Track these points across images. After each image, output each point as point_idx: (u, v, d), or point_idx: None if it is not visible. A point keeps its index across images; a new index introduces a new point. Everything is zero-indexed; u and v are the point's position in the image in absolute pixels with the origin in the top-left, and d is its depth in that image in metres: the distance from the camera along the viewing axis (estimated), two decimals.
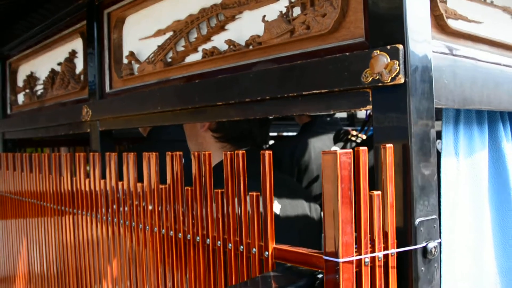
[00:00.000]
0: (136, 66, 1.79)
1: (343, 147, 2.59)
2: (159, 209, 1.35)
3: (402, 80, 0.99)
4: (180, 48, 1.61)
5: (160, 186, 1.33)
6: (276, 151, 2.37)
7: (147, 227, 1.39)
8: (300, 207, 1.73)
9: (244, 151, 1.11)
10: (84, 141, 3.63)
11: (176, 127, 2.76)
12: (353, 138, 2.53)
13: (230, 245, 1.14)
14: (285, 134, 4.12)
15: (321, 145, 2.62)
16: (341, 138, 2.56)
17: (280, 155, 2.47)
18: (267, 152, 1.04)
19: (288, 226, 1.62)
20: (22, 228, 2.25)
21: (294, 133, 3.38)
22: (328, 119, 2.71)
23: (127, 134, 3.48)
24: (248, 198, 1.08)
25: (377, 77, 1.02)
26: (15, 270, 2.39)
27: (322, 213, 1.84)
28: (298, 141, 2.63)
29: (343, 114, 3.89)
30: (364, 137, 2.56)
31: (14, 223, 2.35)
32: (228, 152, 1.12)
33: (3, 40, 2.82)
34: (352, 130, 2.58)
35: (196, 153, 1.20)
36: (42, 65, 2.53)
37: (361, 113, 3.59)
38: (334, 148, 2.64)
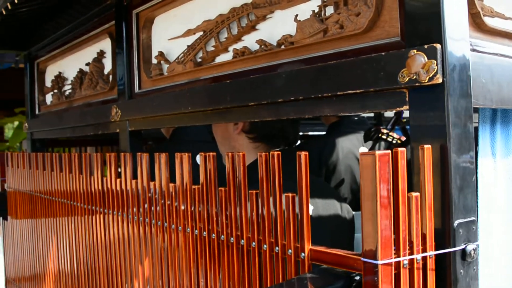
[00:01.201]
0: (165, 66, 1.79)
1: (373, 146, 2.57)
2: (192, 209, 1.35)
3: (440, 80, 0.98)
4: (210, 48, 1.61)
5: (193, 186, 1.33)
6: (303, 151, 2.36)
7: (180, 227, 1.40)
8: (332, 207, 1.72)
9: (279, 152, 1.10)
10: (111, 141, 3.66)
11: (198, 128, 2.77)
12: (384, 137, 2.51)
13: (265, 246, 1.14)
14: (310, 133, 4.11)
15: (349, 145, 2.60)
16: (372, 136, 2.54)
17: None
18: (303, 153, 1.04)
19: (320, 227, 1.61)
20: (52, 227, 2.27)
21: (320, 133, 3.37)
22: (356, 118, 2.70)
23: (147, 135, 3.50)
24: (284, 198, 1.08)
25: (414, 77, 1.00)
26: (45, 269, 2.42)
27: (353, 213, 1.84)
28: (325, 141, 2.62)
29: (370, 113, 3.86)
30: (395, 135, 2.54)
31: (44, 222, 2.37)
32: (263, 153, 1.12)
33: (31, 41, 2.85)
34: (383, 128, 2.56)
35: (230, 154, 1.20)
36: (70, 65, 2.55)
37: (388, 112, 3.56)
38: (362, 148, 2.62)
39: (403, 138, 2.70)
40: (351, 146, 2.64)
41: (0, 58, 3.24)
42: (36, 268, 2.53)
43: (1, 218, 2.98)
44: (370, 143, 2.63)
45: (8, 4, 1.92)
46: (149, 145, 3.40)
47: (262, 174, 1.12)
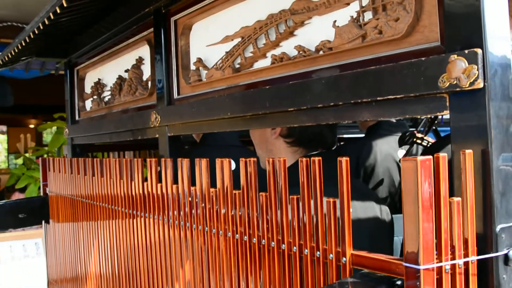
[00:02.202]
0: (204, 72, 1.82)
1: (409, 150, 2.56)
2: (232, 213, 1.38)
3: (481, 85, 0.98)
4: (248, 54, 1.63)
5: (234, 191, 1.35)
6: (341, 154, 2.37)
7: (221, 231, 1.42)
8: (371, 209, 1.72)
9: (320, 157, 1.11)
10: (148, 145, 3.72)
11: (228, 133, 2.80)
12: (419, 141, 2.50)
13: (306, 250, 1.15)
14: (346, 136, 4.10)
15: (387, 147, 2.60)
16: (407, 140, 2.53)
17: None
18: (344, 158, 1.05)
19: (359, 229, 1.61)
20: (93, 230, 2.32)
21: (356, 135, 3.37)
22: (394, 120, 2.69)
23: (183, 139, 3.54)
24: (325, 203, 1.09)
25: (455, 82, 1.01)
26: (86, 271, 2.47)
27: (392, 216, 1.84)
28: (363, 144, 2.62)
29: None
30: (430, 139, 2.53)
31: (85, 225, 2.42)
32: (304, 159, 1.13)
33: (71, 49, 2.92)
34: (418, 132, 2.54)
35: (270, 159, 1.22)
36: (109, 72, 2.60)
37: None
38: (400, 150, 2.62)
39: None
40: (389, 149, 2.64)
41: (41, 66, 3.31)
42: (77, 270, 2.59)
43: (43, 221, 3.05)
44: (406, 147, 2.62)
45: (51, 14, 1.97)
46: (185, 149, 3.44)
47: (303, 179, 1.14)
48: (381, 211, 1.80)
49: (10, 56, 2.73)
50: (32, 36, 2.29)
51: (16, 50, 2.58)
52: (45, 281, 4.01)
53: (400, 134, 2.69)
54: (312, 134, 1.74)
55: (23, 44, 2.45)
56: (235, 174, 1.39)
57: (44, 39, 2.51)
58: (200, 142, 2.67)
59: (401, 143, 2.61)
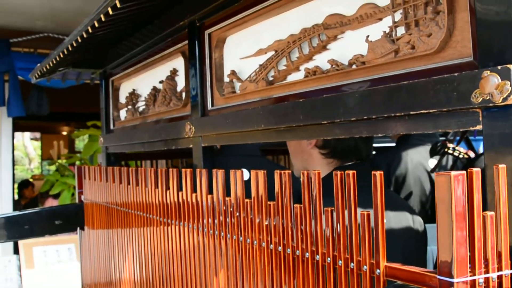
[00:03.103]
0: (237, 84, 1.86)
1: (440, 161, 2.56)
2: (266, 224, 1.41)
3: None
4: (281, 67, 1.66)
5: (269, 202, 1.38)
6: (373, 164, 2.39)
7: (255, 241, 1.45)
8: (404, 220, 1.74)
9: (355, 170, 1.14)
10: (180, 154, 3.78)
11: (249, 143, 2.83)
12: (450, 151, 2.50)
13: (340, 262, 1.17)
14: (376, 145, 4.10)
15: (418, 157, 2.61)
16: (438, 151, 2.54)
17: (377, 168, 2.49)
18: (378, 172, 1.07)
19: (392, 239, 1.63)
20: (127, 237, 2.37)
21: (387, 144, 3.37)
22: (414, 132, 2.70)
23: None
24: (359, 215, 1.11)
25: (488, 97, 1.02)
26: (120, 277, 2.52)
27: (425, 226, 1.85)
28: (394, 154, 2.63)
29: None
30: (461, 150, 2.53)
31: (119, 232, 2.47)
32: (339, 172, 1.16)
33: (106, 60, 2.99)
34: (449, 142, 2.55)
35: (305, 172, 1.25)
36: (143, 82, 2.66)
37: None
38: (431, 160, 2.63)
39: (470, 152, 2.68)
40: (420, 158, 2.65)
41: (77, 76, 3.39)
42: (111, 276, 2.64)
43: (78, 228, 3.12)
44: (437, 157, 2.63)
45: (89, 27, 2.03)
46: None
47: (338, 192, 1.16)
48: (414, 221, 1.81)
49: (48, 67, 2.81)
50: (70, 49, 2.35)
51: (54, 62, 2.65)
52: (78, 286, 4.09)
53: (430, 144, 2.70)
54: (347, 146, 1.77)
55: (61, 56, 2.52)
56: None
57: (81, 51, 2.58)
58: (220, 151, 2.71)
59: (432, 153, 2.62)
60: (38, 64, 2.97)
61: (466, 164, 2.58)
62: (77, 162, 8.47)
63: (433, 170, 2.64)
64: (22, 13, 5.14)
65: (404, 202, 2.14)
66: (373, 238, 1.09)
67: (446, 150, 2.53)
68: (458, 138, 2.82)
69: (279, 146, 3.87)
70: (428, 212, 2.68)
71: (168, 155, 3.77)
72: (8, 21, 5.35)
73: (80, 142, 14.95)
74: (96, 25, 1.99)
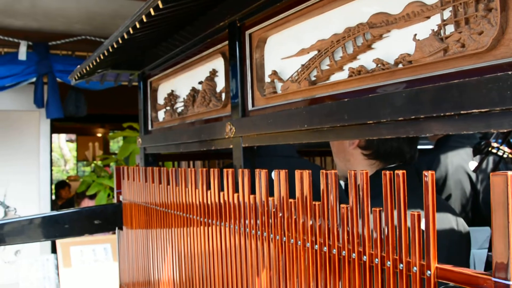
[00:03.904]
0: (279, 85, 1.85)
1: (483, 160, 2.52)
2: (311, 224, 1.40)
3: None
4: (324, 66, 1.65)
5: (314, 202, 1.37)
6: (413, 167, 2.36)
7: (299, 242, 1.44)
8: (447, 222, 1.72)
9: (404, 171, 1.12)
10: (217, 156, 3.79)
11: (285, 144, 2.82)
12: (494, 151, 2.46)
13: (388, 263, 1.16)
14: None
15: (458, 159, 2.57)
16: (482, 150, 2.50)
17: (416, 170, 2.46)
18: (430, 172, 1.05)
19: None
20: (167, 237, 2.39)
21: (425, 146, 3.33)
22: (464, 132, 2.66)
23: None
24: (409, 216, 1.10)
25: None
26: (158, 277, 2.54)
27: (468, 228, 1.82)
28: (434, 156, 2.61)
29: None
30: (506, 149, 2.48)
31: (158, 232, 2.49)
32: (388, 172, 1.15)
33: (145, 61, 3.02)
34: (493, 142, 2.50)
35: (352, 172, 1.24)
36: (182, 83, 2.67)
37: None
38: (472, 162, 2.59)
39: None
40: (460, 160, 2.61)
41: (115, 78, 3.43)
42: (149, 275, 2.66)
43: (116, 227, 3.15)
44: (480, 157, 2.58)
45: (130, 28, 2.05)
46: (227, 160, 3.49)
47: (386, 192, 1.15)
48: (458, 224, 1.79)
49: (88, 69, 2.85)
50: (110, 50, 2.38)
51: (94, 63, 2.68)
52: (114, 285, 4.13)
53: (470, 146, 2.66)
54: (390, 148, 1.75)
55: (101, 57, 2.55)
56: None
57: (121, 53, 2.60)
58: (256, 152, 2.70)
59: (476, 153, 2.57)
60: (78, 66, 3.01)
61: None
62: (111, 164, 8.57)
63: (475, 171, 2.60)
64: (60, 16, 5.23)
65: (447, 203, 2.11)
66: (424, 240, 1.08)
67: (490, 149, 2.48)
68: (500, 140, 2.77)
69: (315, 148, 3.85)
70: (469, 214, 2.64)
71: (204, 156, 3.78)
72: (47, 24, 5.45)
73: (115, 144, 15.14)
74: (138, 26, 2.00)
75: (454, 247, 1.74)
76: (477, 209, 2.65)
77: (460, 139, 2.72)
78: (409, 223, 1.11)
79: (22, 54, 5.42)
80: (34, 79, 5.57)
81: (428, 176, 1.05)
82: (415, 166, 2.51)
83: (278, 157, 2.61)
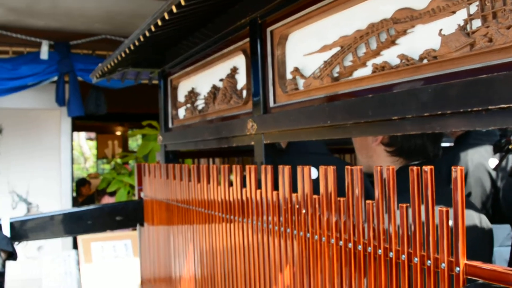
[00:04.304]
0: (301, 81, 1.85)
1: (503, 158, 2.50)
2: (335, 220, 1.39)
3: None
4: (347, 63, 1.64)
5: (338, 198, 1.37)
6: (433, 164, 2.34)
7: (323, 238, 1.44)
8: (470, 219, 1.70)
9: (432, 167, 1.11)
10: (236, 153, 3.79)
11: (314, 141, 2.81)
12: None
13: (416, 259, 1.15)
14: None
15: (478, 157, 2.55)
16: (503, 147, 2.47)
17: (436, 168, 2.45)
18: (459, 168, 1.04)
19: None
20: (188, 233, 2.39)
21: (445, 144, 3.31)
22: (484, 130, 2.64)
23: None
24: (437, 212, 1.09)
25: None
26: (179, 273, 2.55)
27: (491, 226, 1.80)
28: (454, 154, 2.59)
29: None
30: None
31: (179, 229, 2.50)
32: (415, 167, 1.14)
33: (165, 59, 3.03)
34: None
35: (378, 167, 1.23)
36: (202, 81, 2.68)
37: None
38: (492, 160, 2.56)
39: None
40: (480, 158, 2.59)
41: (136, 76, 3.44)
42: (171, 271, 2.67)
43: (137, 224, 3.17)
44: (498, 156, 2.56)
45: (152, 26, 2.06)
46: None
47: (414, 188, 1.14)
48: (481, 221, 1.77)
49: (109, 67, 2.86)
50: (132, 48, 2.39)
51: (116, 61, 2.70)
52: (134, 281, 4.16)
53: (490, 144, 2.63)
54: (414, 145, 1.73)
55: (123, 55, 2.56)
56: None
57: (142, 51, 2.61)
58: (285, 150, 2.70)
59: (496, 150, 2.55)
60: (99, 64, 3.03)
61: None
62: (130, 161, 8.61)
63: (495, 169, 2.57)
64: (80, 16, 5.27)
65: (469, 200, 2.09)
66: (452, 236, 1.07)
67: (510, 147, 2.46)
68: None
69: (345, 145, 3.84)
70: (489, 212, 2.62)
71: (224, 154, 3.79)
72: (68, 24, 5.50)
73: (133, 142, 15.22)
74: (159, 23, 2.01)
75: (478, 244, 1.72)
76: (498, 207, 2.62)
77: (480, 136, 2.69)
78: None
79: (44, 54, 5.47)
80: (55, 78, 5.63)
81: (457, 171, 1.04)
82: (438, 164, 2.49)
83: (311, 155, 2.60)
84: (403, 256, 1.18)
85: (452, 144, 2.92)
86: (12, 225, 2.66)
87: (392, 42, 1.49)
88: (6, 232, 2.60)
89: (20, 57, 5.55)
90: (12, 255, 2.48)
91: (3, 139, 6.46)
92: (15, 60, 5.51)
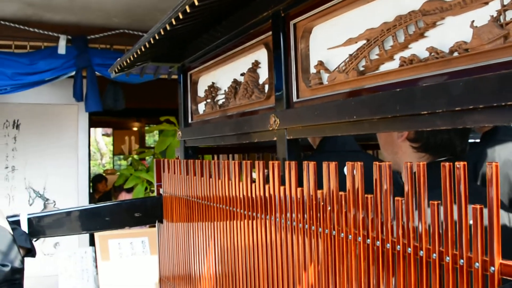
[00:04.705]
0: (325, 75, 1.81)
1: None
2: (362, 217, 1.36)
3: None
4: (374, 56, 1.60)
5: (366, 195, 1.33)
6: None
7: (349, 236, 1.40)
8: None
9: (465, 162, 1.08)
10: (256, 148, 3.77)
11: (346, 138, 2.77)
12: None
13: (447, 258, 1.11)
14: None
15: (506, 153, 2.50)
16: None
17: None
18: (494, 164, 1.01)
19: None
20: (208, 230, 2.37)
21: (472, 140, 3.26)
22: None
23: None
24: (470, 210, 1.05)
25: None
26: (199, 270, 2.53)
27: None
28: (481, 150, 2.53)
29: None
30: None
31: (200, 225, 2.48)
32: (447, 163, 1.10)
33: (185, 53, 3.00)
34: None
35: (408, 164, 1.19)
36: (223, 75, 2.65)
37: None
38: None
39: None
40: (508, 155, 2.53)
41: (155, 70, 3.42)
42: (190, 268, 2.65)
43: (156, 220, 3.16)
44: None
45: (174, 19, 2.03)
46: (305, 154, 3.45)
47: (445, 185, 1.10)
48: (510, 219, 1.73)
49: (128, 61, 2.85)
50: (152, 42, 2.37)
51: (135, 55, 2.68)
52: (151, 279, 4.15)
53: None
54: (440, 140, 1.69)
55: (142, 49, 2.54)
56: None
57: (161, 45, 2.59)
58: (318, 148, 2.67)
59: None
60: (118, 59, 3.02)
61: None
62: (147, 157, 8.61)
63: None
64: (98, 10, 5.27)
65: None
66: (487, 234, 1.03)
67: None
68: None
69: (367, 141, 3.79)
70: None
71: (243, 150, 3.76)
72: (86, 18, 5.50)
73: (150, 138, 15.25)
74: (180, 16, 1.98)
75: (508, 243, 1.68)
76: None
77: (508, 132, 2.64)
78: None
79: (62, 48, 5.47)
80: (73, 73, 5.62)
81: (492, 167, 1.00)
82: (465, 161, 2.45)
83: (345, 152, 2.58)
84: (434, 255, 1.15)
85: (478, 140, 2.87)
86: (29, 221, 2.65)
87: (420, 35, 1.45)
88: (24, 228, 2.60)
89: (38, 52, 5.56)
90: (31, 252, 2.47)
91: (20, 135, 6.49)
92: (32, 55, 5.52)
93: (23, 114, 6.49)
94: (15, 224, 2.50)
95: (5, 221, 2.23)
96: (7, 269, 2.02)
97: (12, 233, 2.19)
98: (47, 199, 6.56)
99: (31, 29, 5.51)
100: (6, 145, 6.44)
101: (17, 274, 2.10)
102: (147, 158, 10.13)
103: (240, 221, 2.04)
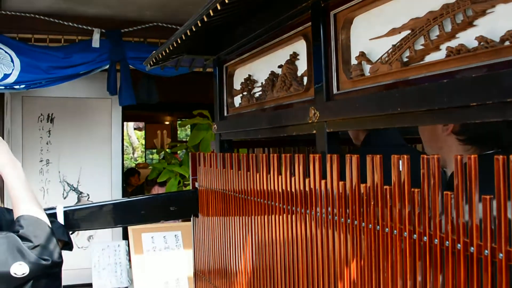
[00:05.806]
0: (367, 67, 1.77)
1: None
2: (409, 212, 1.32)
3: None
4: (418, 46, 1.56)
5: (413, 189, 1.30)
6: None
7: (395, 231, 1.37)
8: None
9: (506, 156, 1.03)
10: (292, 142, 3.73)
11: (391, 132, 2.72)
12: None
13: (500, 255, 1.07)
14: None
15: None
16: None
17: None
18: None
19: None
20: (246, 224, 2.35)
21: None
22: None
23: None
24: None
25: None
26: (235, 265, 2.51)
27: None
28: None
29: None
30: None
31: (236, 219, 2.46)
32: (501, 156, 1.06)
33: (221, 46, 2.98)
34: None
35: (458, 156, 1.15)
36: (260, 68, 2.62)
37: None
38: None
39: None
40: None
41: (190, 63, 3.41)
42: (226, 263, 2.64)
43: (192, 214, 3.15)
44: None
45: (211, 11, 2.01)
46: (350, 150, 3.40)
47: (499, 179, 1.06)
48: None
49: (163, 54, 2.84)
50: (188, 33, 2.35)
51: (171, 48, 2.67)
52: (185, 273, 4.15)
53: None
54: (487, 132, 1.64)
55: (178, 41, 2.53)
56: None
57: (197, 37, 2.57)
58: (364, 142, 2.64)
59: None
60: (154, 51, 3.01)
61: None
62: (179, 151, 8.63)
63: None
64: (132, 4, 5.28)
65: None
66: None
67: None
68: None
69: (405, 135, 3.72)
70: None
71: (279, 143, 3.73)
72: (119, 12, 5.52)
73: (182, 132, 15.32)
74: (219, 7, 1.96)
75: None
76: None
77: None
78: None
79: (96, 42, 5.50)
80: (107, 67, 5.65)
81: None
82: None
83: (392, 147, 2.54)
84: (486, 251, 1.11)
85: None
86: (65, 214, 2.66)
87: (469, 24, 1.40)
88: (61, 221, 2.61)
89: (72, 46, 5.60)
90: (68, 245, 2.47)
91: (54, 129, 6.56)
92: (67, 48, 5.56)
93: (57, 108, 6.57)
94: (52, 217, 2.52)
95: (44, 214, 2.24)
96: (47, 263, 2.03)
97: (50, 226, 2.20)
98: (81, 193, 6.63)
99: (65, 23, 5.55)
100: (40, 138, 6.53)
101: (56, 267, 2.11)
102: (179, 152, 10.17)
103: (279, 215, 2.01)
